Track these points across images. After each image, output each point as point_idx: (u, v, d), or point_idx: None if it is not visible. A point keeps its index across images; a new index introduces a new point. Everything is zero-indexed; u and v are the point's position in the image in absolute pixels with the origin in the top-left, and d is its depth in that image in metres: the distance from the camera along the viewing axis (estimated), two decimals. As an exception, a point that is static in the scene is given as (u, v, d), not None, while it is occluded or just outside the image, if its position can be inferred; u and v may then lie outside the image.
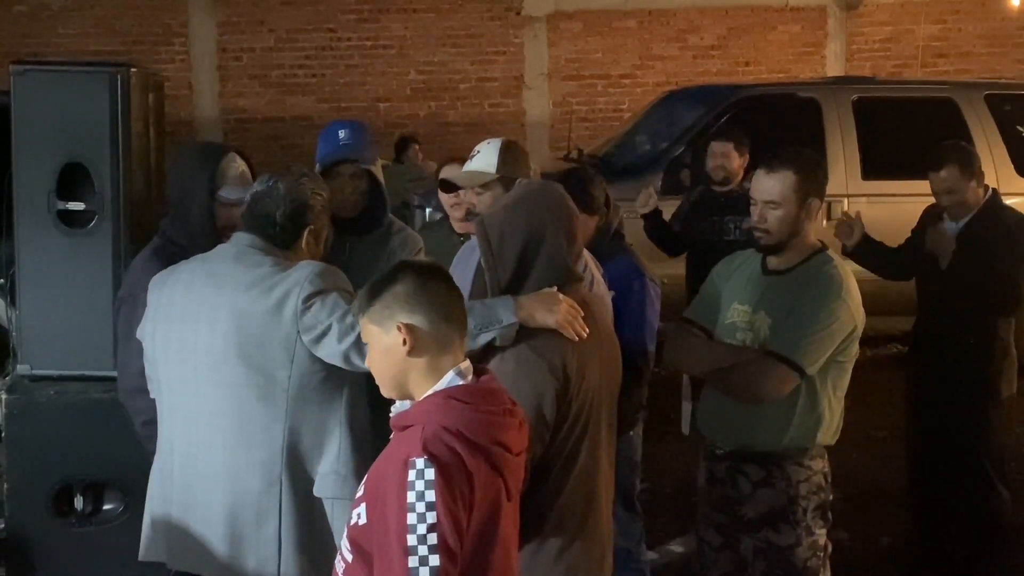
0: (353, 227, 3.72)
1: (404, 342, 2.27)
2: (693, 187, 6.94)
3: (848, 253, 5.02)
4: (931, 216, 4.95)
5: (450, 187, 3.81)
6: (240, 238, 3.07)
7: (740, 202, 5.72)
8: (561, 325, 2.70)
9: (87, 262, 3.99)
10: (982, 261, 4.60)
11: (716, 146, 6.27)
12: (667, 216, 6.50)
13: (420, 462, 2.14)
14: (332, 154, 3.77)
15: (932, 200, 4.92)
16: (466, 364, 2.34)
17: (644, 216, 6.37)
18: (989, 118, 8.36)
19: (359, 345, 2.74)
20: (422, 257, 3.81)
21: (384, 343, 2.31)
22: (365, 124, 4.06)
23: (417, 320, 2.28)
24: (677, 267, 6.39)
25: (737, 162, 6.22)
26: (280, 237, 3.05)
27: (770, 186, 3.42)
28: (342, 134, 3.81)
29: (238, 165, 3.54)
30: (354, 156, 3.76)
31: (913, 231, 5.08)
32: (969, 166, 4.72)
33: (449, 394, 2.27)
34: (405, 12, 12.58)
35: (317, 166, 3.76)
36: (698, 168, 7.62)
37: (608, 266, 3.72)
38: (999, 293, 4.67)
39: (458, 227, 4.37)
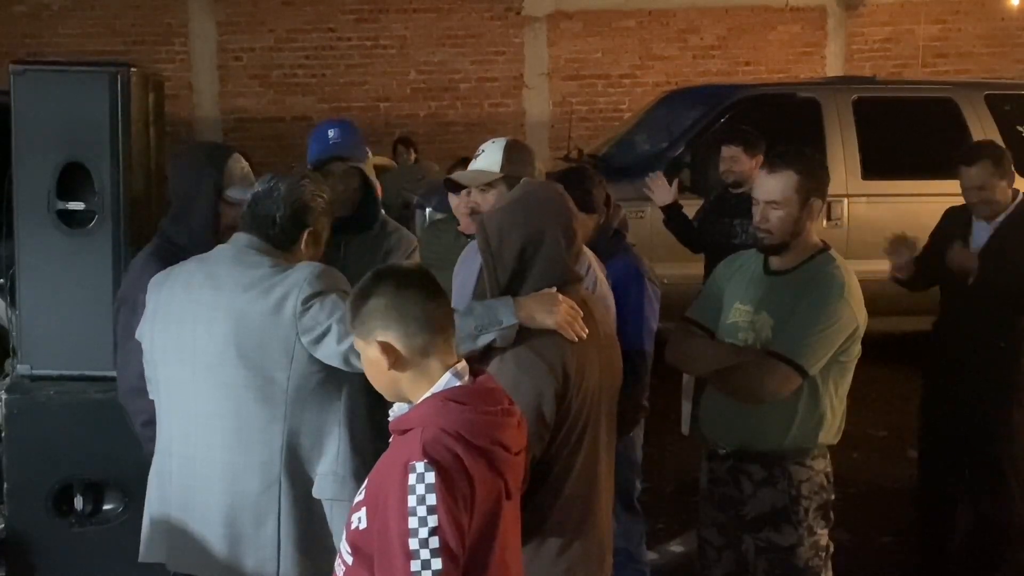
0: (348, 226, 3.72)
1: (384, 358, 2.27)
2: (712, 188, 6.86)
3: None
4: (953, 218, 4.82)
5: (455, 186, 3.80)
6: (239, 239, 3.05)
7: (750, 205, 5.68)
8: (561, 326, 2.69)
9: (87, 262, 3.99)
10: (1014, 262, 4.51)
11: (725, 150, 6.17)
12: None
13: (420, 466, 2.13)
14: (323, 153, 3.77)
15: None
16: (462, 365, 2.32)
17: (662, 208, 6.35)
18: (989, 118, 8.35)
19: None
20: (416, 257, 3.81)
21: (368, 355, 2.31)
22: (354, 123, 4.07)
23: (392, 337, 2.26)
24: (690, 267, 6.38)
25: (748, 164, 6.08)
26: (279, 238, 3.03)
27: (772, 186, 3.42)
28: (332, 133, 3.81)
29: (243, 165, 3.53)
30: (344, 154, 3.76)
31: (932, 235, 4.93)
32: (1001, 165, 4.65)
33: (447, 396, 2.26)
34: (405, 12, 12.58)
35: (308, 166, 3.76)
36: (699, 168, 7.59)
37: (607, 265, 3.70)
38: None
39: (464, 226, 4.28)
